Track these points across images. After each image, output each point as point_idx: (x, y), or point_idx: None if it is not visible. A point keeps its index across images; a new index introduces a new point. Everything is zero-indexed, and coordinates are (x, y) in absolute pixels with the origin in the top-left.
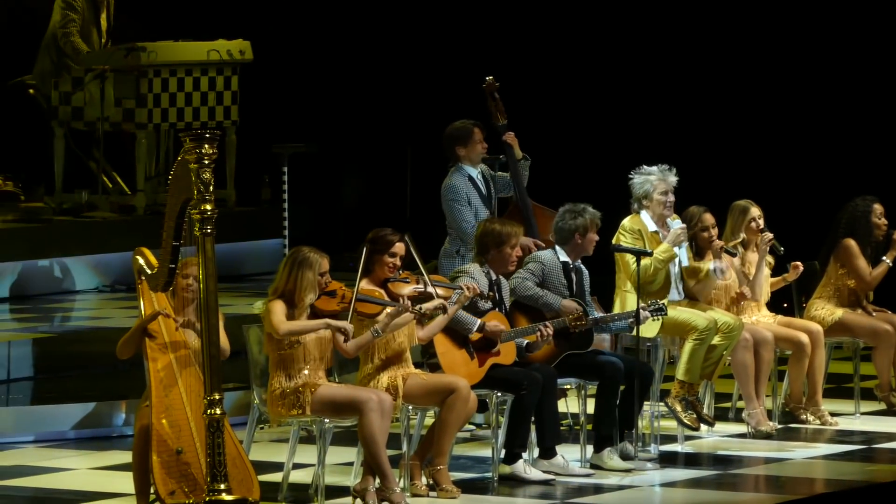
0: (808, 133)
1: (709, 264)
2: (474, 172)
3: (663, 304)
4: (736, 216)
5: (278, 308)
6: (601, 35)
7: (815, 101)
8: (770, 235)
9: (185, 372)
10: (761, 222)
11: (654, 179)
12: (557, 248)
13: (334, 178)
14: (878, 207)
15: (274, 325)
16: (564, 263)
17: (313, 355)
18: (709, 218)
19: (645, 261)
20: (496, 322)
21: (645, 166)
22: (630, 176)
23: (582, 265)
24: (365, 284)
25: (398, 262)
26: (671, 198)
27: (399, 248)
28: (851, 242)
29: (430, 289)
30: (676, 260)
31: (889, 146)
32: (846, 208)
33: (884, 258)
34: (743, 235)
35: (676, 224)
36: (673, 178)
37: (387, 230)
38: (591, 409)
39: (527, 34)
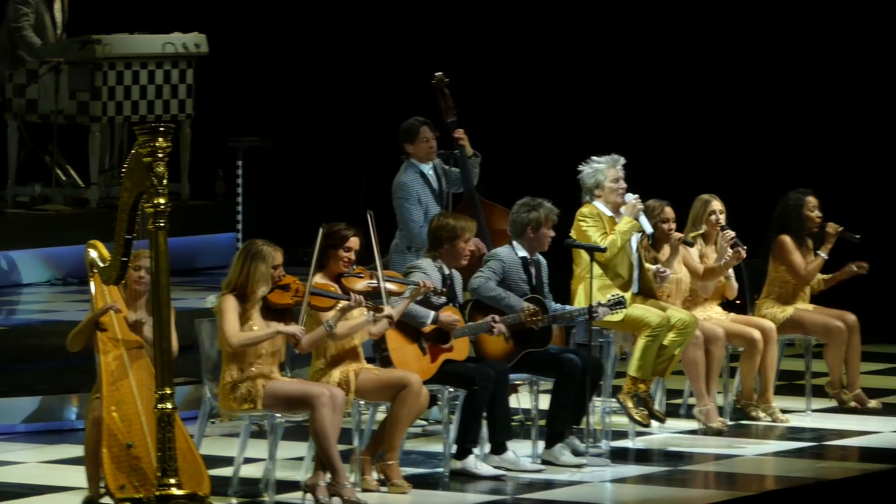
0: (763, 127)
1: (652, 267)
2: (426, 168)
3: (623, 297)
4: (698, 208)
5: (231, 314)
6: (552, 30)
7: (773, 97)
8: (732, 234)
9: (136, 366)
10: (722, 217)
11: (604, 168)
12: (514, 242)
13: (289, 173)
14: (811, 200)
15: (227, 337)
16: (523, 258)
17: (266, 349)
18: (669, 211)
19: (611, 236)
20: (451, 313)
21: (593, 157)
22: (579, 168)
23: (541, 258)
24: (319, 279)
25: (352, 257)
26: (623, 184)
27: (354, 242)
28: (785, 238)
29: (383, 284)
30: (636, 253)
31: (841, 141)
32: (779, 203)
33: (819, 252)
34: (704, 227)
35: (629, 197)
36: (621, 165)
37: (341, 225)
38: (543, 404)
39: (476, 29)
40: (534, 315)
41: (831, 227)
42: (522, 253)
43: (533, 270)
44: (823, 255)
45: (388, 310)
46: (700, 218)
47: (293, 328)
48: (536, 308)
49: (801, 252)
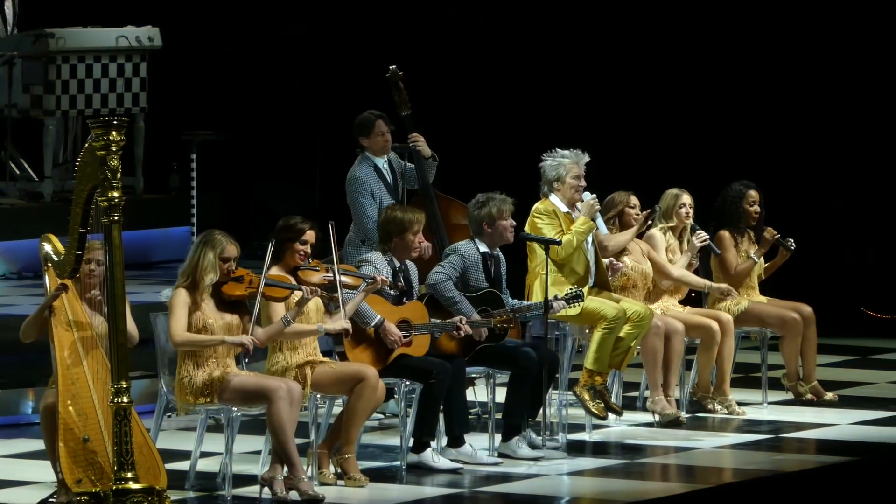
0: (721, 121)
1: (606, 261)
2: (380, 162)
3: (580, 290)
4: (668, 201)
5: (179, 310)
6: (509, 23)
7: (730, 91)
8: (705, 235)
9: (91, 359)
10: (691, 211)
11: (568, 163)
12: (476, 238)
13: (243, 167)
14: (752, 194)
15: (171, 335)
16: (484, 254)
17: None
18: (634, 199)
19: (567, 236)
20: (394, 328)
21: (558, 149)
22: (542, 159)
23: (500, 254)
24: (275, 272)
25: (308, 251)
26: (583, 182)
27: (309, 235)
28: (724, 234)
29: (339, 278)
30: (591, 246)
31: (799, 135)
32: (720, 194)
33: (751, 255)
34: (674, 220)
35: (586, 196)
36: (584, 163)
37: (297, 218)
38: (499, 397)
39: (432, 22)
40: (506, 322)
41: (768, 233)
42: (483, 249)
43: (492, 266)
44: (756, 258)
45: (343, 323)
46: (670, 211)
47: (241, 337)
48: (509, 315)
49: (744, 244)
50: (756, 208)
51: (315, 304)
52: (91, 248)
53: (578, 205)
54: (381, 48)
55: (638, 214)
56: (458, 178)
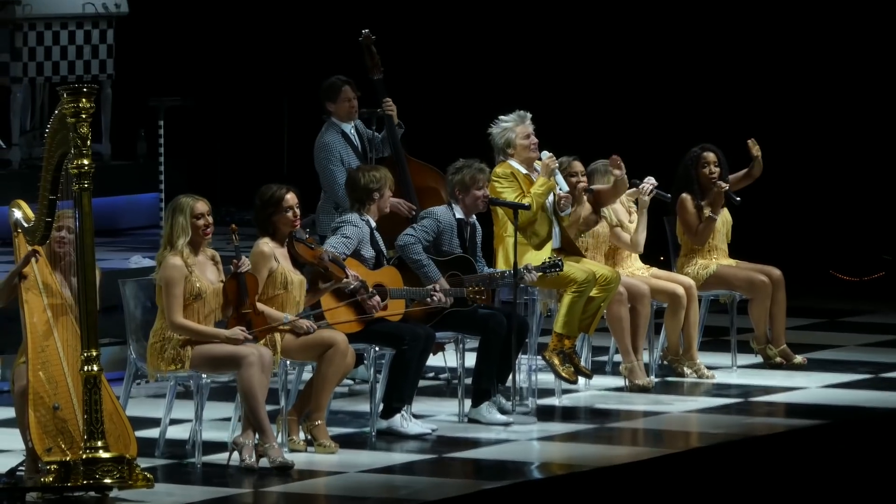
0: (674, 84)
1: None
2: (347, 128)
3: (559, 259)
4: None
5: (174, 288)
6: None
7: (699, 48)
8: (649, 186)
9: (61, 327)
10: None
11: (513, 125)
12: (452, 204)
13: (211, 132)
14: (708, 156)
15: (169, 318)
16: (459, 220)
17: (211, 307)
18: (577, 165)
19: (525, 200)
20: (374, 291)
21: (501, 116)
22: (489, 130)
23: (476, 221)
24: (271, 244)
25: (297, 212)
26: (534, 140)
27: (291, 198)
28: (684, 197)
29: (327, 256)
30: (551, 201)
31: (768, 97)
32: (682, 158)
33: (709, 213)
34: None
35: (544, 155)
36: (530, 121)
37: (272, 188)
38: (469, 362)
39: None
40: (477, 294)
41: (718, 187)
42: (459, 215)
43: (467, 234)
44: (713, 215)
45: (306, 321)
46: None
47: (235, 332)
48: (481, 287)
49: (706, 207)
50: (710, 169)
51: (299, 279)
52: (61, 217)
53: (537, 164)
54: (349, 13)
55: (579, 182)
56: (429, 143)
